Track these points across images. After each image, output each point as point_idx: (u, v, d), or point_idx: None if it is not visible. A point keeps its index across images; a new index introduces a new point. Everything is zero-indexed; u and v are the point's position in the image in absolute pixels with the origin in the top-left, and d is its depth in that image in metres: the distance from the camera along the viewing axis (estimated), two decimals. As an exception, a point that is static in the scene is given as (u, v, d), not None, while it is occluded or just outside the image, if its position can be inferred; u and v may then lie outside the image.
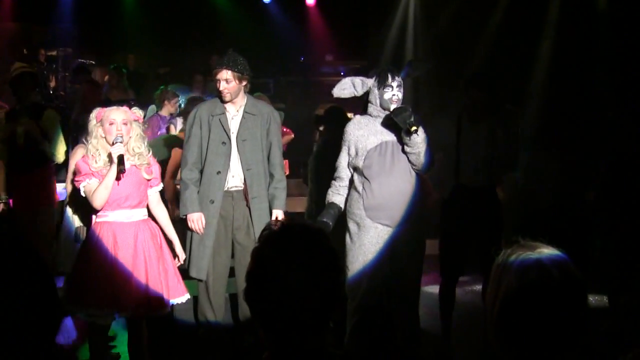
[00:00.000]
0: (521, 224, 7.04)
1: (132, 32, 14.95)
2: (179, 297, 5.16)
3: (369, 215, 5.38)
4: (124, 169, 4.91)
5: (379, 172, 5.36)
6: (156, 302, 5.01)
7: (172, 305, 5.15)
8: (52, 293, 2.08)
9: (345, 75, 6.74)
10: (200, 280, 5.78)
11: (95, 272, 4.87)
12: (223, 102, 5.79)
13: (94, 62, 13.96)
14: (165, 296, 5.05)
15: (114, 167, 4.88)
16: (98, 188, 4.89)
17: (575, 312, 2.07)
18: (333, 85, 5.49)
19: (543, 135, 7.28)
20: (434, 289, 7.45)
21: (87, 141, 5.07)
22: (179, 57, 15.20)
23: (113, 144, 4.93)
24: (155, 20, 14.96)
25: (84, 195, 4.98)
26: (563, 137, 7.41)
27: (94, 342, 5.09)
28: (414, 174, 5.42)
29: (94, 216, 5.07)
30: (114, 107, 5.09)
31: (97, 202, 4.93)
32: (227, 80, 5.70)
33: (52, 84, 13.88)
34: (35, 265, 2.06)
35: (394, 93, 5.35)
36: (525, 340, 2.07)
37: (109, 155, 4.95)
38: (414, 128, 5.15)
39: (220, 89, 5.73)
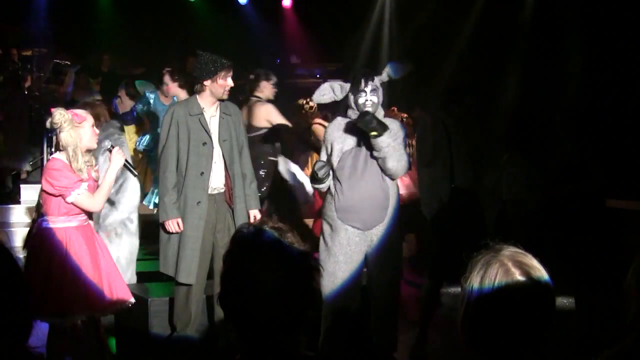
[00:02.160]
0: (502, 230, 7.07)
1: (107, 32, 14.90)
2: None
3: (340, 217, 5.42)
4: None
5: (350, 175, 5.39)
6: (120, 298, 5.17)
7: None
8: (24, 296, 2.08)
9: (320, 77, 6.77)
10: (190, 285, 5.74)
11: (60, 277, 4.88)
12: (222, 100, 5.82)
13: (69, 63, 13.87)
14: (124, 292, 5.21)
15: (115, 170, 5.13)
16: (102, 192, 5.07)
17: (539, 313, 2.08)
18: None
19: (518, 137, 7.29)
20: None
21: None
22: (153, 58, 15.12)
23: (111, 149, 5.19)
24: (131, 21, 14.89)
25: (71, 202, 4.97)
26: (539, 140, 7.40)
27: (53, 344, 5.07)
28: (386, 179, 5.44)
29: (46, 222, 5.03)
30: (84, 111, 5.19)
31: (99, 206, 5.17)
32: (232, 78, 5.79)
33: (27, 84, 13.78)
34: (7, 268, 2.06)
35: (367, 98, 5.39)
36: (489, 341, 2.08)
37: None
38: (373, 133, 5.22)
39: (230, 87, 5.79)
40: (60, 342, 5.07)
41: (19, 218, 10.18)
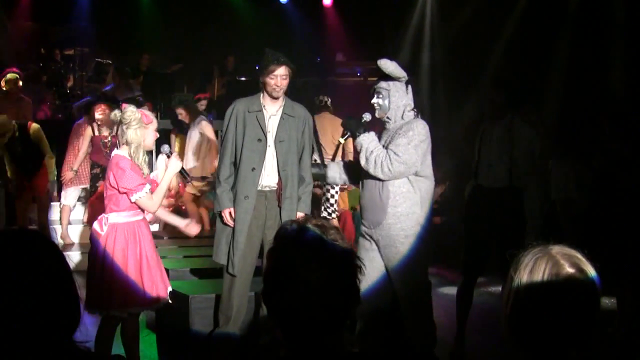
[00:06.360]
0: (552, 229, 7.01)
1: (149, 32, 15.05)
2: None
3: (361, 214, 5.63)
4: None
5: (366, 174, 5.48)
6: (164, 294, 5.25)
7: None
8: (72, 290, 2.11)
9: (361, 76, 6.75)
10: (234, 276, 5.79)
11: (126, 271, 5.00)
12: (273, 97, 5.80)
13: (111, 62, 14.03)
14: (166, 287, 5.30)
15: (171, 174, 5.24)
16: (159, 195, 5.17)
17: (587, 310, 2.07)
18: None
19: (563, 138, 7.24)
20: (450, 289, 7.48)
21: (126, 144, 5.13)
22: (194, 57, 15.26)
23: (168, 155, 5.30)
24: (172, 20, 15.05)
25: (134, 201, 5.06)
26: (585, 140, 7.33)
27: (104, 337, 5.14)
28: (386, 182, 5.39)
29: (106, 217, 5.10)
30: (151, 113, 5.36)
31: (157, 208, 5.21)
32: (284, 76, 5.73)
33: (70, 83, 13.97)
34: (56, 263, 2.09)
35: (374, 100, 5.50)
36: (537, 335, 2.07)
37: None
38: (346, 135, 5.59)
39: (276, 85, 5.73)
40: (110, 335, 5.16)
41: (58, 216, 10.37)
